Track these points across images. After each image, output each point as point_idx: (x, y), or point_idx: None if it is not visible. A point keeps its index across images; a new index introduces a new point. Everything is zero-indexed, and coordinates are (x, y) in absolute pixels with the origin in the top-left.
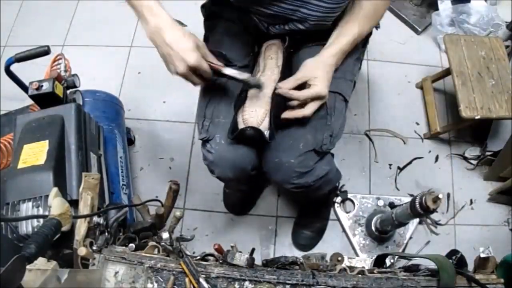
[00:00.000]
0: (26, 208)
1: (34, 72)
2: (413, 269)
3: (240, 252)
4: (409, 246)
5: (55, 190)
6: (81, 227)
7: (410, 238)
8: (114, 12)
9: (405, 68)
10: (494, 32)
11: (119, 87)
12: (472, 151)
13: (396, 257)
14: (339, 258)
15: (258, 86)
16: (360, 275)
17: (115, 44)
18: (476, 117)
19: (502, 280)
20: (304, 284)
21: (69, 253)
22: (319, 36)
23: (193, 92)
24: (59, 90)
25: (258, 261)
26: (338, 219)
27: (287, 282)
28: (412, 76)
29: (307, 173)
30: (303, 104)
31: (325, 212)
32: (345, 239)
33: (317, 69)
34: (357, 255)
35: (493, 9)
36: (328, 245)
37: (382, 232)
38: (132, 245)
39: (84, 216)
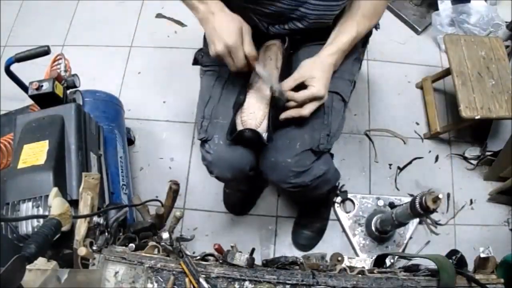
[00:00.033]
0: (26, 208)
1: (34, 72)
2: (413, 269)
3: (240, 252)
4: (409, 246)
5: (55, 190)
6: (81, 227)
7: (410, 238)
8: (114, 12)
9: (405, 68)
10: (494, 32)
11: (119, 87)
12: (472, 151)
13: (396, 257)
14: (339, 258)
15: (281, 96)
16: (360, 275)
17: (115, 44)
18: (476, 117)
19: (502, 280)
20: (304, 284)
21: (69, 253)
22: (318, 35)
23: (193, 92)
24: (59, 90)
25: (258, 261)
26: (338, 219)
27: (287, 282)
28: (412, 76)
29: (304, 172)
30: (301, 104)
31: (325, 212)
32: (345, 239)
33: (315, 69)
34: (357, 255)
35: (493, 9)
36: (328, 245)
37: (382, 232)
38: (132, 245)
39: (84, 216)
